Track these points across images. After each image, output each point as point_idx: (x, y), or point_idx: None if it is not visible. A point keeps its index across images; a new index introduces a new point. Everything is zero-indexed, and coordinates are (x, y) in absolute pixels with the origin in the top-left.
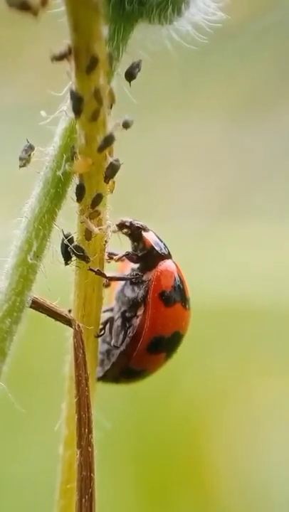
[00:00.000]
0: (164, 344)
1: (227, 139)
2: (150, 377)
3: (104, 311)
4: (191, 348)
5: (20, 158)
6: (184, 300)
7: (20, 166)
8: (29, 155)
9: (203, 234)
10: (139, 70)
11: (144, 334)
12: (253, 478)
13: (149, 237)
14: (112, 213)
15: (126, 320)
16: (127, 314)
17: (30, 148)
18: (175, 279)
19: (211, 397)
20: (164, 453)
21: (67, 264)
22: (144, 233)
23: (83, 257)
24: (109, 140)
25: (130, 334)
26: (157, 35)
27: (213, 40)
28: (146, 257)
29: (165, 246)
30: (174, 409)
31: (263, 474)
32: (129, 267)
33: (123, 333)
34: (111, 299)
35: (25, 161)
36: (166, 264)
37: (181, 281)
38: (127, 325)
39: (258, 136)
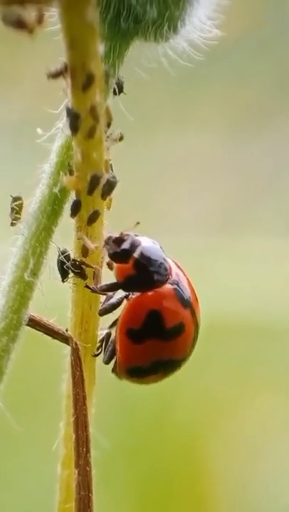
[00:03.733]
0: (145, 371)
1: (225, 153)
2: (147, 395)
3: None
4: (187, 364)
5: (11, 218)
6: (162, 333)
7: (12, 225)
8: (16, 213)
9: (202, 248)
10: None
11: (119, 363)
12: (251, 495)
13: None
14: (109, 228)
15: (110, 339)
16: (112, 333)
17: (15, 205)
18: (149, 315)
19: (208, 414)
20: (163, 471)
21: (64, 281)
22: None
23: (80, 274)
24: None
25: (112, 355)
26: (153, 53)
27: (209, 55)
28: (133, 279)
29: (159, 268)
30: (172, 427)
31: (261, 490)
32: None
33: (108, 352)
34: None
35: (14, 220)
36: (141, 297)
37: (162, 313)
38: (110, 346)
39: (256, 150)
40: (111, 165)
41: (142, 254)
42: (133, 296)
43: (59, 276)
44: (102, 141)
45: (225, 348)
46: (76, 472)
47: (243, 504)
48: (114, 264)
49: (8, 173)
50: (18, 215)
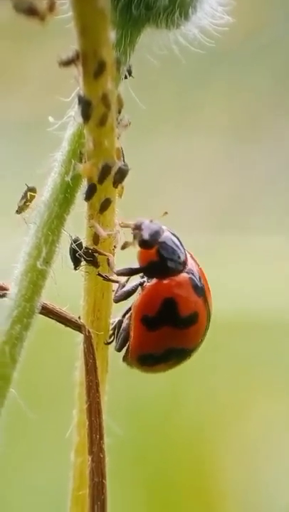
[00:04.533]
0: (157, 358)
1: (227, 155)
2: (155, 390)
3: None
4: (193, 362)
5: (18, 206)
6: (176, 321)
7: (17, 213)
8: (25, 203)
9: (204, 249)
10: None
11: (131, 350)
12: (256, 492)
13: (150, 249)
14: (121, 216)
15: (122, 327)
16: (124, 321)
17: (26, 194)
18: (165, 302)
19: (215, 413)
20: (170, 464)
21: (77, 269)
22: (145, 244)
23: (93, 262)
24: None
25: (124, 343)
26: (164, 40)
27: (212, 57)
28: (155, 265)
29: (178, 258)
30: (179, 423)
31: (266, 490)
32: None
33: (120, 339)
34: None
35: (20, 209)
36: (158, 284)
37: (177, 301)
38: (122, 333)
39: (257, 152)
40: (122, 153)
41: (166, 242)
42: (148, 284)
43: (71, 264)
44: (114, 129)
45: (229, 347)
46: (89, 459)
47: (248, 501)
48: (138, 249)
49: (19, 163)
50: (26, 205)
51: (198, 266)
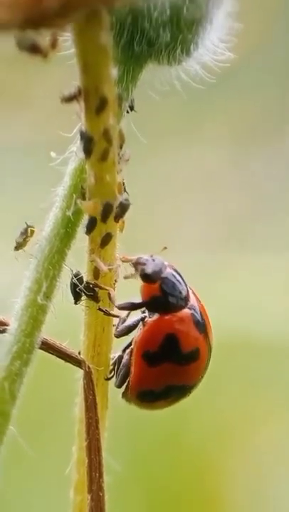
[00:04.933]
0: (157, 395)
1: (231, 169)
2: (157, 417)
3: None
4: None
5: (16, 242)
6: (178, 357)
7: (16, 249)
8: (24, 239)
9: (208, 265)
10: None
11: (131, 386)
12: None
13: (153, 285)
14: (122, 250)
15: (123, 362)
16: (124, 356)
17: (26, 231)
18: (166, 338)
19: (219, 436)
20: (175, 494)
21: (77, 303)
22: (147, 280)
23: (93, 297)
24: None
25: (124, 379)
26: (166, 76)
27: (217, 73)
28: (157, 300)
29: (180, 293)
30: (183, 450)
31: (273, 510)
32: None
33: (120, 375)
34: None
35: (19, 245)
36: (160, 319)
37: (179, 337)
38: (123, 369)
39: (261, 167)
40: (124, 187)
41: (168, 278)
42: (150, 319)
43: (72, 298)
44: (115, 164)
45: (233, 367)
46: (89, 497)
47: None
48: (141, 283)
49: (21, 196)
50: (25, 241)
51: (200, 302)
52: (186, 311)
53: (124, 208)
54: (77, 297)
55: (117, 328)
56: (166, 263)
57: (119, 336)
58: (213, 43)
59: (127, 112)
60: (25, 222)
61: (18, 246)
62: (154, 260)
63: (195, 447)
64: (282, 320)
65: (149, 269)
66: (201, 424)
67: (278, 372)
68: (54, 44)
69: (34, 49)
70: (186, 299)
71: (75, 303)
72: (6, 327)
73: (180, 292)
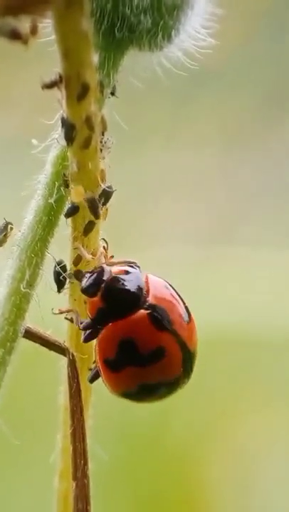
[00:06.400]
0: (136, 394)
1: (218, 166)
2: (144, 407)
3: None
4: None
5: None
6: (138, 360)
7: None
8: (5, 235)
9: (195, 262)
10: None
11: (107, 387)
12: (247, 508)
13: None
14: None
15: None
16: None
17: (5, 228)
18: (121, 344)
19: (206, 428)
20: (161, 480)
21: (60, 291)
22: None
23: (78, 278)
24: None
25: (95, 377)
26: (148, 62)
27: (202, 72)
28: (103, 311)
29: (131, 296)
30: (169, 440)
31: (258, 505)
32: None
33: (92, 373)
34: None
35: (1, 242)
36: (112, 326)
37: (134, 340)
38: (94, 368)
39: (248, 164)
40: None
41: (110, 286)
42: (104, 327)
43: (55, 287)
44: (98, 151)
45: (222, 361)
46: (74, 485)
47: None
48: (88, 300)
49: (3, 185)
50: (5, 238)
51: (173, 295)
52: (141, 312)
53: (107, 195)
54: (60, 285)
55: (84, 334)
56: (106, 270)
57: (86, 341)
58: (195, 29)
59: (109, 97)
60: (4, 219)
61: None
62: (93, 273)
63: (181, 437)
64: (269, 314)
65: (86, 283)
66: (187, 414)
67: (265, 366)
68: (34, 30)
69: (14, 35)
70: (142, 299)
71: (58, 291)
72: None
73: (128, 296)
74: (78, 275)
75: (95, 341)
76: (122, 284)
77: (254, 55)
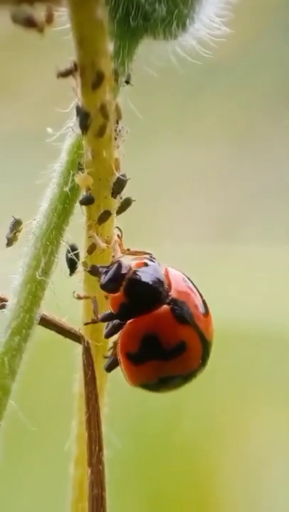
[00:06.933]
0: (155, 386)
1: (225, 163)
2: (157, 400)
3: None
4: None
5: (7, 238)
6: (161, 354)
7: (8, 246)
8: (15, 233)
9: (202, 259)
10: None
11: (127, 380)
12: (256, 504)
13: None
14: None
15: (113, 351)
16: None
17: (17, 224)
18: (145, 339)
19: (215, 426)
20: (170, 476)
21: (72, 275)
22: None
23: (92, 272)
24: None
25: (113, 366)
26: (162, 51)
27: (211, 66)
28: (126, 307)
29: (154, 292)
30: (178, 435)
31: (267, 507)
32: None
33: (110, 362)
34: None
35: (11, 240)
36: (136, 321)
37: (158, 335)
38: (112, 357)
39: (256, 162)
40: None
41: (132, 281)
42: (128, 321)
43: (70, 273)
44: (112, 139)
45: (228, 358)
46: (89, 471)
47: None
48: (109, 295)
49: (18, 174)
50: (15, 236)
51: (192, 289)
52: (164, 307)
53: (121, 183)
54: (72, 269)
55: (106, 327)
56: (128, 265)
57: (107, 337)
58: (209, 18)
59: (123, 85)
60: (13, 216)
61: (10, 241)
62: (110, 268)
63: (191, 431)
64: (275, 310)
65: (105, 279)
66: (198, 410)
67: (273, 364)
68: (49, 18)
69: (29, 23)
70: (164, 294)
71: (71, 274)
72: (4, 303)
73: (150, 290)
74: (94, 270)
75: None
76: (145, 279)
77: (264, 49)
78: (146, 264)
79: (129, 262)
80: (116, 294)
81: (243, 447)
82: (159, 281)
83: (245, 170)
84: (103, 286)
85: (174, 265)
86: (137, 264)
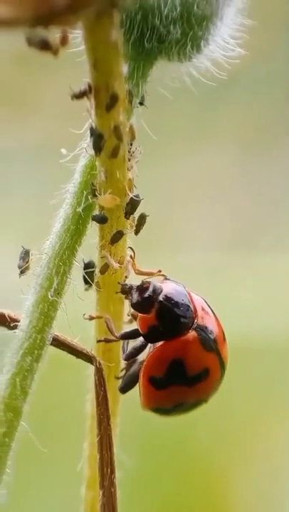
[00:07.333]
0: (168, 410)
1: (239, 172)
2: (165, 421)
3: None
4: None
5: (19, 267)
6: (184, 381)
7: (21, 275)
8: (27, 261)
9: (216, 268)
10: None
11: (142, 403)
12: None
13: (157, 313)
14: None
15: (130, 372)
16: (133, 365)
17: (26, 254)
18: (172, 364)
19: (229, 438)
20: (184, 492)
21: (87, 289)
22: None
23: (125, 292)
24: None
25: (129, 387)
26: (176, 72)
27: (227, 79)
28: (156, 329)
29: (182, 316)
30: (192, 450)
31: None
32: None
33: (126, 382)
34: None
35: (24, 269)
36: (164, 345)
37: (185, 361)
38: (129, 378)
39: (270, 170)
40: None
41: (164, 304)
42: (156, 345)
43: (82, 295)
44: (126, 161)
45: (245, 370)
46: (101, 493)
47: None
48: (138, 315)
49: (32, 194)
50: (27, 265)
51: (210, 313)
52: (191, 334)
53: (134, 204)
54: (88, 284)
55: (123, 350)
56: (160, 287)
57: (127, 359)
58: (224, 39)
59: (137, 107)
60: (22, 246)
61: (23, 270)
62: (143, 287)
63: (204, 452)
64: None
65: (137, 298)
66: (213, 425)
67: (287, 377)
68: (64, 41)
69: (44, 45)
70: (191, 319)
71: (86, 289)
72: (16, 323)
73: (181, 315)
74: (125, 288)
75: (120, 349)
76: (178, 304)
77: (275, 62)
78: (176, 290)
79: (161, 285)
80: (147, 316)
81: (258, 462)
82: (189, 307)
83: (260, 180)
84: (135, 305)
85: (188, 274)
86: (166, 286)
